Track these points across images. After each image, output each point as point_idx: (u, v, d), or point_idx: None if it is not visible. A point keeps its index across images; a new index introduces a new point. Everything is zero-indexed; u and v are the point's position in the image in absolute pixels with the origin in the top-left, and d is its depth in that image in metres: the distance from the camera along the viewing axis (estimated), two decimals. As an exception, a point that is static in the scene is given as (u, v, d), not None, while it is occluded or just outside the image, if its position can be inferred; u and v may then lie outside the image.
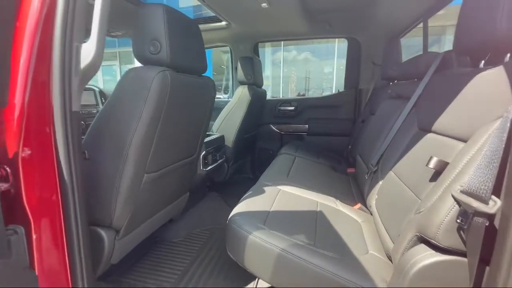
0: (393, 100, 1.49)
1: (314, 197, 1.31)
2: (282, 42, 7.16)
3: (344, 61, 2.51)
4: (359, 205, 1.30)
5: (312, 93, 10.00)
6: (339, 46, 8.67)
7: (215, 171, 1.92)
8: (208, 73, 1.27)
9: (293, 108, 2.60)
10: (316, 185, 1.49)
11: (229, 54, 2.71)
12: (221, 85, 4.59)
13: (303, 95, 9.56)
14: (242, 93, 2.08)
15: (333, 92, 2.65)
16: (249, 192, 1.25)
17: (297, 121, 2.63)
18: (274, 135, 2.66)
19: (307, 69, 10.81)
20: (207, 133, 1.85)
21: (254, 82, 2.19)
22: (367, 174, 1.31)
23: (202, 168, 1.69)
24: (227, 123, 2.07)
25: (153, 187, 1.08)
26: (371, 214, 1.15)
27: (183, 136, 1.21)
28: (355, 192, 1.56)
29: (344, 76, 2.52)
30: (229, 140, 2.05)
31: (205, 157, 1.71)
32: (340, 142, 2.47)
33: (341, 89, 2.56)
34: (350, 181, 1.76)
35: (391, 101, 1.52)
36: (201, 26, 1.41)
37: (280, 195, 1.26)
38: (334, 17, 1.99)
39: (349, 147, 2.25)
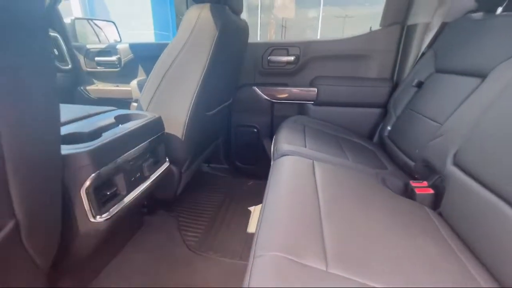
0: None
1: None
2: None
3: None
4: None
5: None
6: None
7: (153, 187, 0.94)
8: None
9: (292, 58, 1.56)
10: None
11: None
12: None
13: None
14: (198, 21, 0.99)
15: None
16: None
17: (298, 81, 1.62)
18: (260, 104, 1.65)
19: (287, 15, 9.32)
20: (122, 113, 0.84)
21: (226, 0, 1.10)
22: None
23: (121, 191, 0.73)
24: (169, 90, 1.01)
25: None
26: None
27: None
28: None
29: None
30: (176, 125, 1.02)
31: (120, 170, 0.72)
32: (367, 117, 1.54)
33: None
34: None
35: None
36: None
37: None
38: None
39: (388, 127, 1.33)
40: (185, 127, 1.01)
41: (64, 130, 0.68)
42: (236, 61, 1.36)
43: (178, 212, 1.32)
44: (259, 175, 1.76)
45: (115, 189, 0.72)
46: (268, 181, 0.86)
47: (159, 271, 0.99)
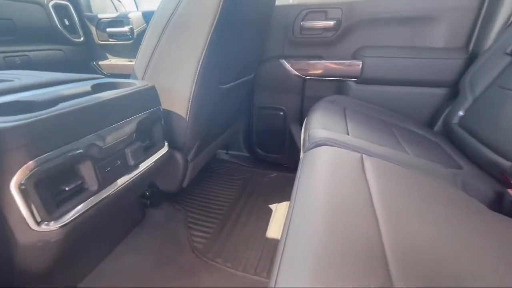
0: None
1: None
2: None
3: None
4: None
5: None
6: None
7: (154, 175, 0.74)
8: None
9: (332, 23, 1.24)
10: None
11: None
12: None
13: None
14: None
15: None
16: None
17: (338, 53, 1.30)
18: (288, 82, 1.37)
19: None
20: (104, 81, 0.62)
21: None
22: None
23: (90, 186, 0.52)
24: (167, 54, 0.77)
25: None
26: None
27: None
28: None
29: None
30: (179, 100, 0.79)
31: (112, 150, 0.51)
32: (427, 100, 1.19)
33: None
34: None
35: None
36: None
37: None
38: None
39: (459, 113, 0.99)
40: (191, 103, 0.78)
41: (11, 98, 0.48)
42: (257, 24, 1.08)
43: (186, 207, 1.13)
44: (285, 167, 1.51)
45: (79, 182, 0.52)
46: (297, 179, 0.61)
47: (153, 277, 0.80)
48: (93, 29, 1.68)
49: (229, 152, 1.63)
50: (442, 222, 0.46)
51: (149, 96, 0.69)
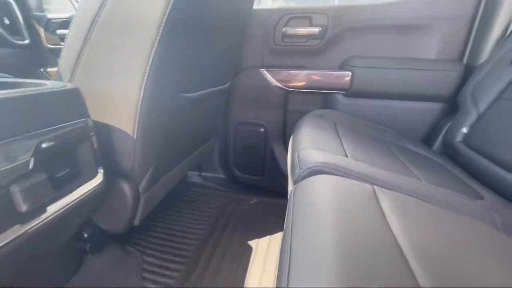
0: None
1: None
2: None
3: None
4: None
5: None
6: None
7: (85, 214, 0.51)
8: None
9: (317, 30, 1.11)
10: None
11: None
12: None
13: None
14: None
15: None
16: None
17: (324, 63, 1.17)
18: (270, 94, 1.21)
19: None
20: (7, 80, 0.41)
21: None
22: None
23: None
24: (104, 47, 0.58)
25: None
26: None
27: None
28: None
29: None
30: (122, 109, 0.58)
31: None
32: (423, 115, 1.08)
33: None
34: None
35: None
36: None
37: None
38: None
39: (462, 130, 0.87)
40: (139, 112, 0.58)
41: None
42: (230, 29, 0.92)
43: (142, 248, 0.89)
44: (266, 191, 1.32)
45: None
46: (290, 219, 0.43)
47: None
48: (41, 30, 1.44)
49: (202, 174, 1.42)
50: (490, 270, 0.31)
51: (69, 102, 0.48)
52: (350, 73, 1.09)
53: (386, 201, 0.45)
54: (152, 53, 0.53)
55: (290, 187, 0.57)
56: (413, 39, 1.08)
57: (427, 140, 1.08)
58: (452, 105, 1.03)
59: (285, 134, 1.27)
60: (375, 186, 0.49)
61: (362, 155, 0.67)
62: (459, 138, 0.89)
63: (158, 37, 0.53)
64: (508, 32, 0.90)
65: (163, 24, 0.52)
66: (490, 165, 0.73)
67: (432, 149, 1.02)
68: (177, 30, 0.57)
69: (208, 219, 1.08)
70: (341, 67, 1.14)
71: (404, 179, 0.57)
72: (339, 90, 1.13)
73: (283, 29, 1.14)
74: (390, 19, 1.08)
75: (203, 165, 1.40)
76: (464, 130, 0.88)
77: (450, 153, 0.92)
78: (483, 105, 0.85)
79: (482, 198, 0.63)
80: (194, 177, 1.40)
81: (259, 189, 1.33)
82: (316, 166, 0.53)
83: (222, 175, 1.41)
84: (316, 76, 1.15)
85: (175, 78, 0.64)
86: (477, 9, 1.00)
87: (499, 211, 0.55)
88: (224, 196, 1.25)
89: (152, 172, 0.68)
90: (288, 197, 0.51)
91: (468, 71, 0.99)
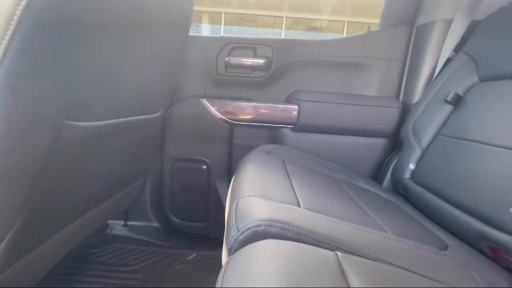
0: None
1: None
2: None
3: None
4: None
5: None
6: None
7: None
8: None
9: (262, 61, 1.05)
10: None
11: None
12: None
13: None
14: None
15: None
16: None
17: (270, 96, 1.10)
18: (212, 127, 1.07)
19: None
20: None
21: None
22: None
23: None
24: None
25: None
26: None
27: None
28: None
29: None
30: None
31: None
32: (370, 150, 1.07)
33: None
34: None
35: None
36: None
37: None
38: None
39: (409, 166, 0.86)
40: None
41: None
42: (155, 38, 0.72)
43: None
44: (210, 239, 1.12)
45: None
46: None
47: None
48: None
49: (128, 223, 1.14)
50: None
51: None
52: (297, 107, 1.03)
53: (354, 275, 0.33)
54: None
55: (224, 258, 0.42)
56: (354, 76, 1.10)
57: (376, 177, 1.05)
58: (395, 141, 1.04)
59: (230, 172, 1.13)
60: (338, 253, 0.36)
61: (317, 201, 0.55)
62: (407, 174, 0.86)
63: (9, 32, 0.35)
64: (435, 74, 0.96)
65: (18, 12, 0.35)
66: (442, 204, 0.69)
67: (383, 186, 0.98)
68: (52, 24, 0.39)
69: (134, 281, 0.82)
70: (288, 101, 1.09)
71: (370, 237, 0.46)
72: (286, 124, 1.06)
73: (226, 59, 1.05)
74: (333, 56, 1.09)
75: (131, 212, 1.14)
76: (411, 166, 0.86)
77: (400, 190, 0.89)
78: (425, 140, 0.85)
79: (446, 247, 0.56)
80: (117, 228, 1.12)
81: (201, 239, 1.12)
82: (258, 226, 0.39)
83: (155, 223, 1.16)
84: (263, 109, 1.06)
85: (50, 97, 0.44)
86: (406, 53, 1.07)
87: (465, 263, 0.48)
88: (155, 252, 1.00)
89: (10, 240, 0.44)
90: (218, 275, 0.34)
91: (406, 109, 1.03)
